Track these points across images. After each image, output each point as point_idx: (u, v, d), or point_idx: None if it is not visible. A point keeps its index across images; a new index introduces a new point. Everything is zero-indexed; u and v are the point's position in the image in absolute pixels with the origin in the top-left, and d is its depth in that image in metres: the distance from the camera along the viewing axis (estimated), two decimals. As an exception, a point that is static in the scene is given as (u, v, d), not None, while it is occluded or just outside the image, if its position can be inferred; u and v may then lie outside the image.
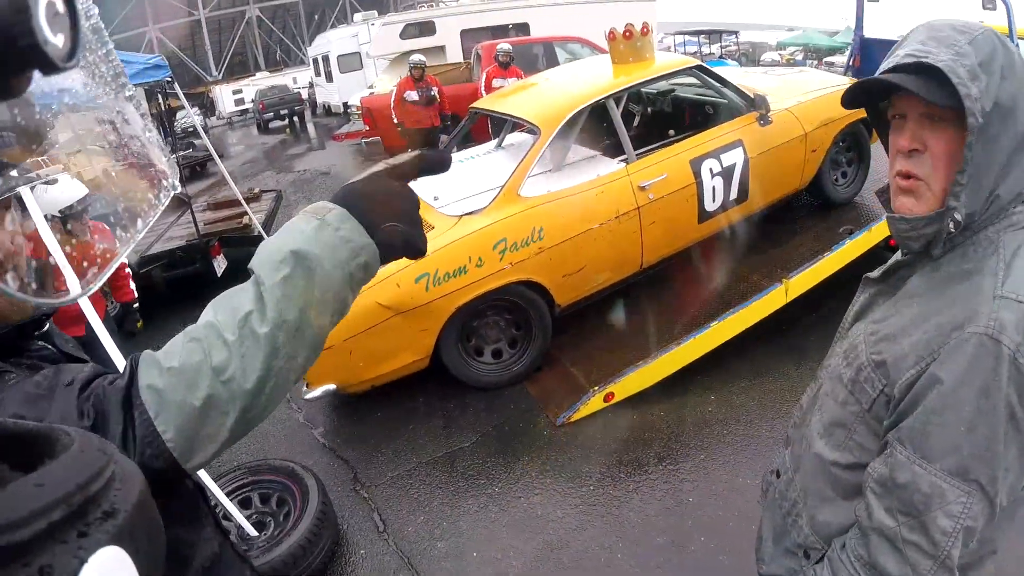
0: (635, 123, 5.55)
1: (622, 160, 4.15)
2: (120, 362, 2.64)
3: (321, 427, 4.19)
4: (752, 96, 4.42)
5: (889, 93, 1.08)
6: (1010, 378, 0.93)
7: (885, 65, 1.06)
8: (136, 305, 4.36)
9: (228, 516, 2.87)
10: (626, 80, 4.33)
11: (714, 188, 4.24)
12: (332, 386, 3.75)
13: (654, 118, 5.49)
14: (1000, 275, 0.99)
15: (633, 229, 4.06)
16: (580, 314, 4.31)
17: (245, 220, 6.65)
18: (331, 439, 4.06)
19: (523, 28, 14.79)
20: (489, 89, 8.44)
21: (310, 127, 20.73)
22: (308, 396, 3.76)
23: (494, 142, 5.27)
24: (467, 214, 3.91)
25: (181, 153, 13.80)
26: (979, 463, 0.96)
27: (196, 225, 6.25)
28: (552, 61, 11.33)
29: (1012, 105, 0.97)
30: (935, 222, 1.03)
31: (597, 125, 4.67)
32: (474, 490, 3.37)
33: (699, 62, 4.62)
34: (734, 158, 4.25)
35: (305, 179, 11.61)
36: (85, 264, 0.51)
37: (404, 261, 3.58)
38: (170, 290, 6.12)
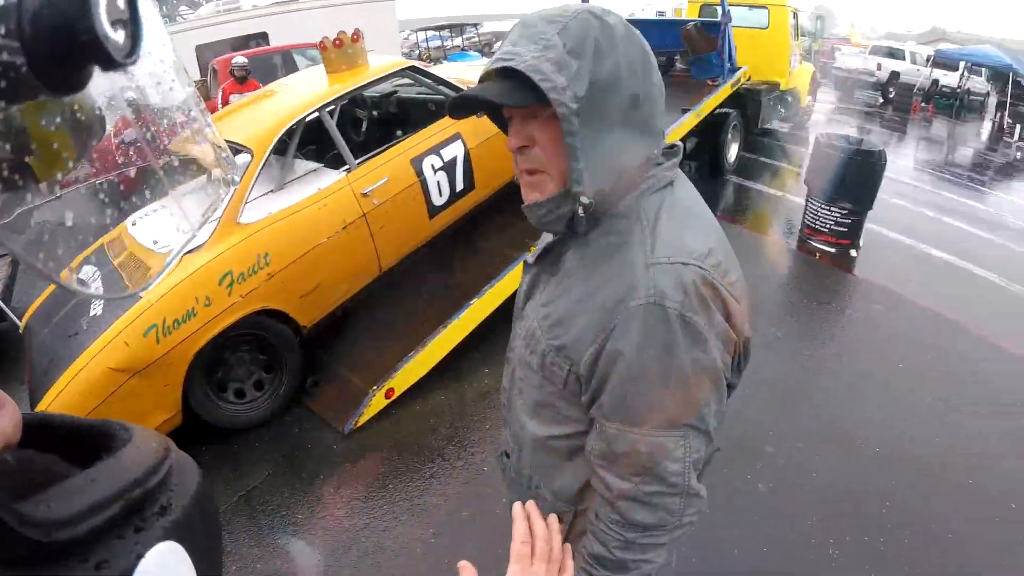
0: (363, 128, 5.56)
1: (344, 170, 4.14)
2: None
3: None
4: (464, 88, 4.47)
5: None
6: (684, 332, 0.97)
7: (482, 71, 1.07)
8: None
9: None
10: (339, 89, 4.31)
11: (439, 183, 4.39)
12: None
13: (381, 122, 5.55)
14: (648, 242, 1.02)
15: (363, 236, 4.06)
16: (342, 323, 4.30)
17: None
18: None
19: (263, 38, 14.15)
20: (227, 106, 8.01)
21: None
22: None
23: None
24: (187, 252, 3.60)
25: None
26: (684, 410, 1.01)
27: None
28: (292, 69, 10.98)
29: (613, 78, 0.97)
30: (567, 200, 1.04)
31: (319, 137, 4.62)
32: (278, 523, 3.26)
33: (411, 63, 4.72)
34: (454, 151, 4.45)
35: None
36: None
37: (128, 316, 3.45)
38: None
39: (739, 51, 8.16)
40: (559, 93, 0.94)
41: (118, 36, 0.37)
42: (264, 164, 3.83)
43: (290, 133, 4.07)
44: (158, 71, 0.50)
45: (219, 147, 0.62)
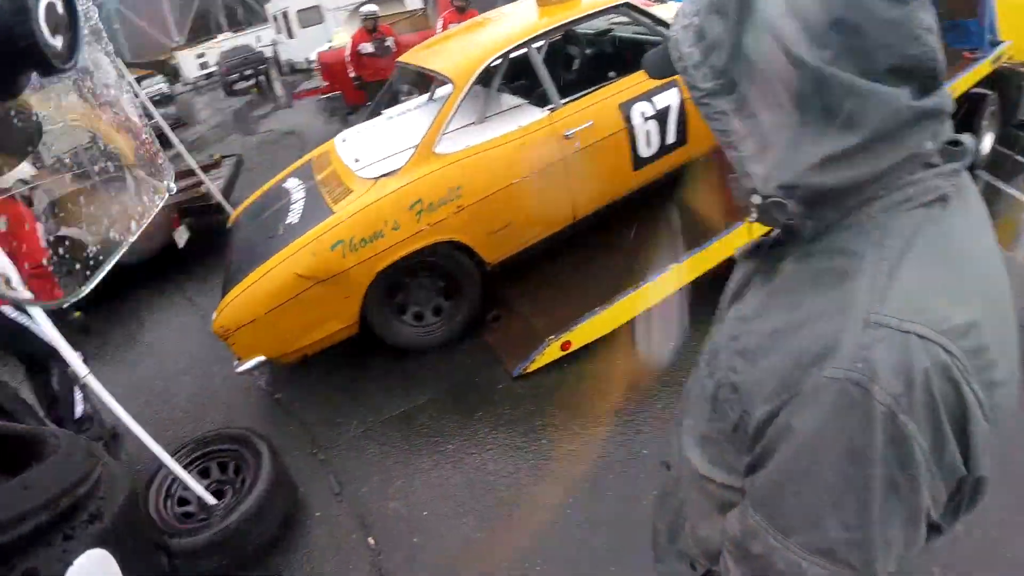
0: (573, 67, 5.29)
1: (548, 109, 3.95)
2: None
3: (283, 391, 4.15)
4: None
5: None
6: (887, 439, 0.68)
7: None
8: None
9: (187, 487, 2.94)
10: (548, 23, 4.09)
11: (648, 132, 4.03)
12: (262, 358, 3.68)
13: (593, 61, 5.22)
14: (880, 285, 0.72)
15: (560, 181, 3.87)
16: (537, 263, 4.14)
17: (203, 189, 6.41)
18: (290, 401, 4.04)
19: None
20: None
21: (277, 86, 19.89)
22: (239, 369, 3.70)
23: (424, 97, 5.02)
24: (383, 176, 3.74)
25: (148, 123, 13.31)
26: (850, 546, 0.73)
27: None
28: (511, -1, 10.94)
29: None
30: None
31: (527, 72, 4.43)
32: (428, 448, 3.32)
33: None
34: (668, 100, 4.04)
35: (270, 140, 11.24)
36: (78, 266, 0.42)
37: (319, 228, 3.49)
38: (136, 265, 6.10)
39: (1002, 21, 6.85)
40: (690, 75, 0.80)
41: (57, 42, 0.33)
42: (465, 96, 3.76)
43: (495, 66, 3.95)
44: (95, 76, 0.45)
45: (155, 153, 0.57)
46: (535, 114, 3.94)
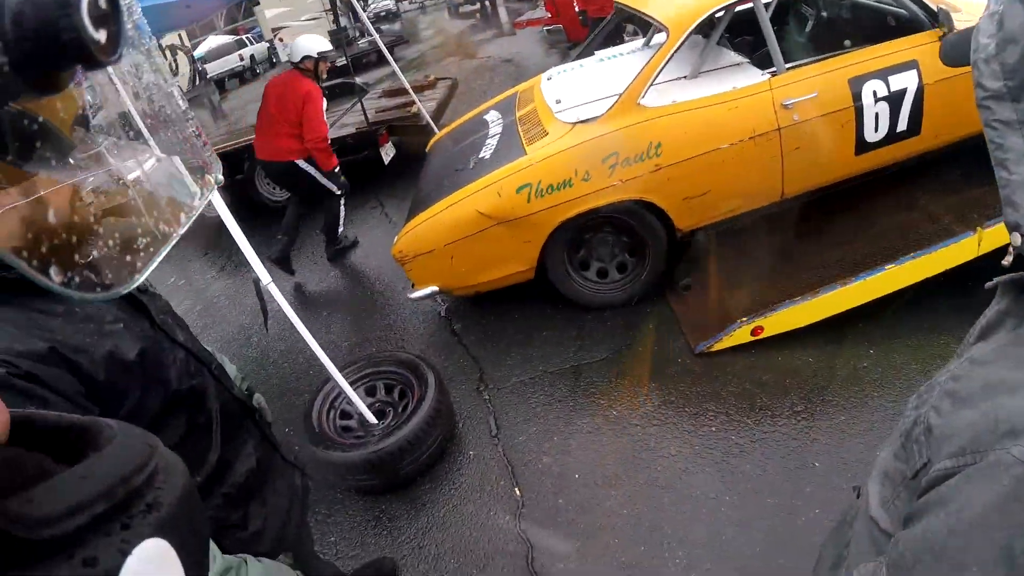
0: (805, 29, 4.72)
1: (768, 72, 3.55)
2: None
3: (460, 323, 4.19)
4: (935, 9, 3.58)
5: None
6: None
7: None
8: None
9: (351, 402, 3.04)
10: None
11: (877, 115, 3.52)
12: (435, 288, 3.74)
13: (828, 26, 4.61)
14: None
15: (772, 153, 3.48)
16: (741, 234, 3.84)
17: (414, 109, 6.67)
18: (466, 335, 4.07)
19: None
20: None
21: (502, 11, 19.84)
22: (412, 296, 3.80)
23: (641, 41, 4.73)
24: (581, 122, 3.57)
25: (368, 39, 14.08)
26: None
27: (365, 114, 6.39)
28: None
29: None
30: None
31: (751, 30, 4.07)
32: (592, 409, 3.22)
33: None
34: (905, 82, 3.50)
35: (488, 66, 11.43)
36: (128, 257, 0.50)
37: (508, 169, 3.32)
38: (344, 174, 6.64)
39: None
40: (979, 69, 0.69)
41: (100, 35, 0.36)
42: (680, 47, 3.47)
43: (716, 18, 3.61)
44: (140, 71, 0.49)
45: (203, 146, 0.59)
46: (754, 76, 3.56)
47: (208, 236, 6.98)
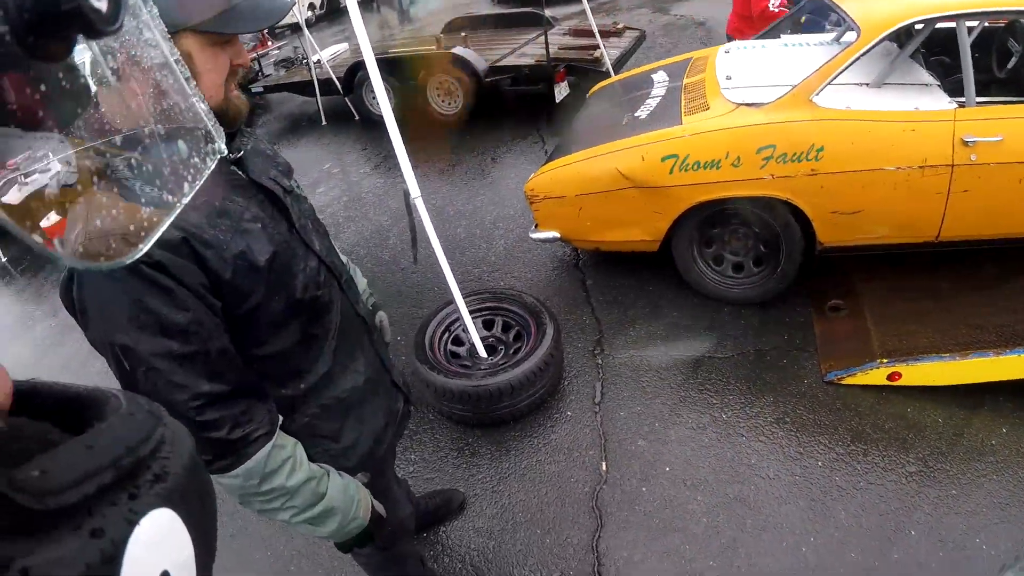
0: (1009, 65, 4.24)
1: (956, 102, 3.24)
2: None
3: (593, 280, 4.11)
4: None
5: None
6: None
7: None
8: None
9: (466, 330, 3.06)
10: (998, 2, 3.24)
11: None
12: (556, 234, 3.71)
13: None
14: None
15: (937, 189, 3.21)
16: (906, 267, 3.62)
17: (596, 53, 6.49)
18: (596, 293, 3.99)
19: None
20: None
21: None
22: (533, 236, 3.80)
23: (834, 34, 4.38)
24: (747, 104, 3.36)
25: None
26: None
27: (547, 48, 6.24)
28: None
29: None
30: None
31: (948, 51, 3.75)
32: (702, 406, 3.12)
33: None
34: None
35: (679, 24, 10.78)
36: (132, 227, 0.50)
37: (657, 135, 3.04)
38: (513, 103, 6.61)
39: None
40: None
41: (101, 4, 0.37)
42: (869, 50, 3.21)
43: (915, 29, 3.34)
44: (140, 38, 0.49)
45: (206, 113, 0.59)
46: (939, 102, 3.26)
47: (370, 133, 7.21)
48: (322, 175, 6.43)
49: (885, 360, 3.07)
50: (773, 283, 3.62)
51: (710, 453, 2.87)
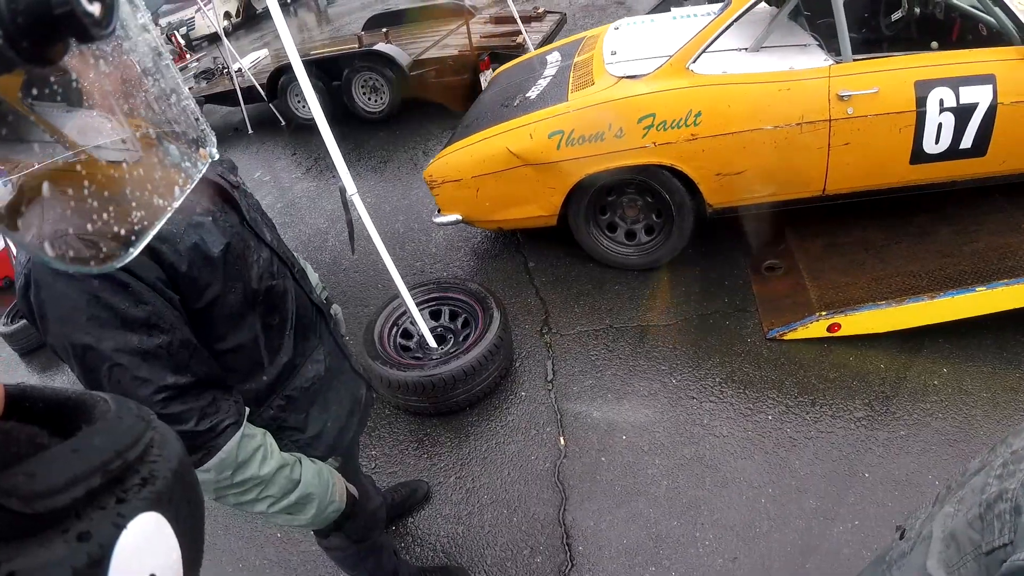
0: (889, 19, 4.45)
1: (830, 58, 3.35)
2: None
3: (535, 261, 4.17)
4: None
5: None
6: None
7: None
8: None
9: (415, 323, 3.10)
10: None
11: (940, 125, 3.32)
12: (458, 216, 3.79)
13: (914, 21, 4.34)
14: None
15: (818, 144, 3.32)
16: (841, 218, 3.71)
17: (519, 39, 6.59)
18: (539, 274, 4.05)
19: None
20: None
21: None
22: (436, 220, 3.86)
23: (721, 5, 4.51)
24: (628, 77, 3.45)
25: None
26: None
27: (470, 38, 6.42)
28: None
29: None
30: None
31: (826, 10, 3.75)
32: (652, 373, 3.16)
33: None
34: (977, 96, 3.29)
35: (598, 5, 10.73)
36: (122, 231, 0.50)
37: (543, 113, 3.06)
38: (440, 95, 6.59)
39: None
40: None
41: (93, 8, 0.37)
42: (743, 14, 3.29)
43: None
44: (134, 41, 0.49)
45: (197, 119, 0.60)
46: (815, 60, 3.36)
47: (298, 137, 7.12)
48: (253, 184, 6.31)
49: (824, 312, 3.18)
50: (667, 249, 3.74)
51: (664, 418, 2.92)
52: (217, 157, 0.65)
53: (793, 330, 3.22)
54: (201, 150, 0.61)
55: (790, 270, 3.57)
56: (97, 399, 0.43)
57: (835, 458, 2.67)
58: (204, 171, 0.59)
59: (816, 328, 3.19)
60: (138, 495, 0.38)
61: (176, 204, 0.55)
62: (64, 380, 4.30)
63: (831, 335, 3.18)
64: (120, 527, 0.36)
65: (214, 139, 0.62)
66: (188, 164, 0.59)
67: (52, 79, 0.41)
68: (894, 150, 3.39)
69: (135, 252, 0.49)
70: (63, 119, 0.45)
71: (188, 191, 0.56)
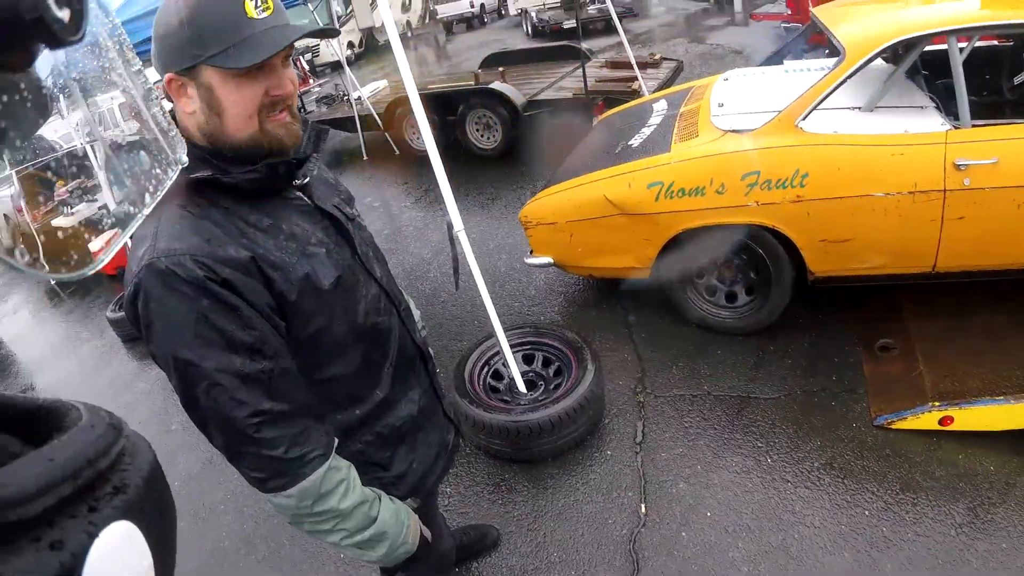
0: (1012, 84, 4.10)
1: (948, 123, 3.10)
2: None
3: (636, 315, 4.07)
4: None
5: None
6: None
7: None
8: None
9: (507, 364, 3.06)
10: (989, 16, 3.08)
11: None
12: (550, 259, 3.78)
13: None
14: None
15: (930, 216, 3.06)
16: (960, 301, 3.43)
17: (635, 85, 6.59)
18: (639, 329, 3.95)
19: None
20: None
21: (737, 1, 17.86)
22: (528, 261, 3.87)
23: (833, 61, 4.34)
24: (733, 131, 3.35)
25: (598, 6, 14.45)
26: None
27: (585, 81, 6.42)
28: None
29: None
30: None
31: (943, 71, 3.48)
32: (747, 449, 3.01)
33: None
34: None
35: (715, 54, 10.73)
36: (94, 238, 0.51)
37: (644, 163, 2.92)
38: (549, 136, 6.56)
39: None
40: None
41: (63, 14, 0.36)
42: (855, 72, 3.12)
43: (905, 48, 3.21)
44: (103, 48, 0.49)
45: (167, 125, 0.59)
46: (931, 123, 3.12)
47: (410, 167, 7.36)
48: (364, 209, 6.46)
49: (938, 404, 2.93)
50: (766, 314, 3.57)
51: (753, 499, 2.76)
52: (186, 163, 0.64)
53: (903, 419, 2.99)
54: (171, 156, 0.60)
55: (905, 352, 3.32)
56: (69, 407, 0.43)
57: (930, 566, 2.44)
58: (174, 178, 0.59)
59: (928, 419, 2.95)
60: (110, 504, 0.38)
61: (146, 211, 0.55)
62: (159, 373, 4.71)
63: (942, 428, 2.94)
64: (92, 536, 0.36)
65: (184, 146, 0.62)
66: (158, 171, 0.59)
67: (22, 85, 0.40)
68: (1014, 228, 3.09)
69: (105, 261, 0.49)
70: (32, 126, 0.45)
71: (159, 197, 0.56)
